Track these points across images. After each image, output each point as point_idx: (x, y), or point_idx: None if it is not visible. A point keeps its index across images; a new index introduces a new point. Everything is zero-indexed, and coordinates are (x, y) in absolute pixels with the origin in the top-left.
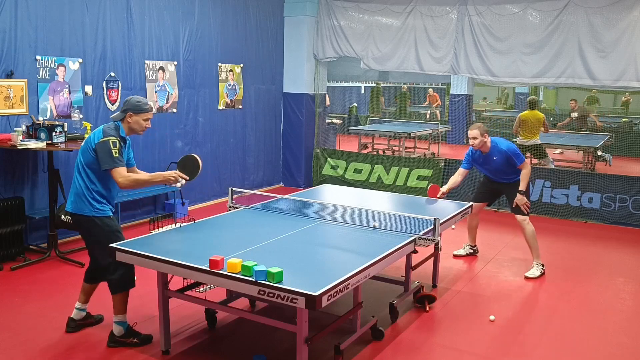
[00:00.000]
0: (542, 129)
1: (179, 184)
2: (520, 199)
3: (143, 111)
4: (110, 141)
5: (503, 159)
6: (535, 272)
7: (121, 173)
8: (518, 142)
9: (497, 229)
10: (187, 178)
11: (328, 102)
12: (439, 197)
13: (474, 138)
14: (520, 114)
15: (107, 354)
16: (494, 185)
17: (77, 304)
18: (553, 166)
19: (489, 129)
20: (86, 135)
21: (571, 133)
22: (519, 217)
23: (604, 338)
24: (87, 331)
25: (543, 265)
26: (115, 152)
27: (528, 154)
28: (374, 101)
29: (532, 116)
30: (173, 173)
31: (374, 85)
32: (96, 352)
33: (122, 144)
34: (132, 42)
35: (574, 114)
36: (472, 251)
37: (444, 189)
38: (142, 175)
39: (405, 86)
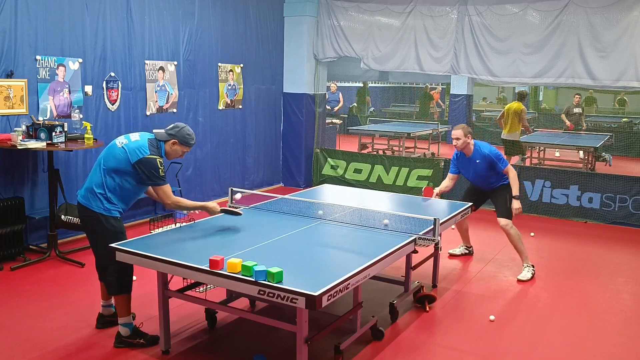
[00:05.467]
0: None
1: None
2: (515, 203)
3: (188, 145)
4: (158, 160)
5: (486, 163)
6: (527, 274)
7: (168, 193)
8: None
9: (497, 229)
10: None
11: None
12: (434, 197)
13: (457, 138)
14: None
15: (107, 354)
16: (479, 190)
17: (102, 302)
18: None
19: (490, 129)
20: (87, 135)
21: (570, 132)
22: (502, 221)
23: (604, 338)
24: (93, 332)
25: (533, 267)
26: (162, 171)
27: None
28: (360, 101)
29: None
30: (217, 209)
31: (378, 85)
32: (97, 352)
33: None
34: (132, 42)
35: (578, 110)
36: (467, 252)
37: (437, 190)
38: (189, 202)
39: (367, 84)
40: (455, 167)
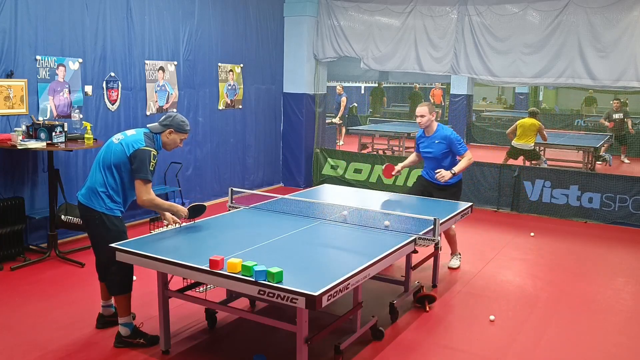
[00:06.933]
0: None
1: (179, 220)
2: (445, 173)
3: (184, 132)
4: (152, 153)
5: (445, 145)
6: (456, 262)
7: (148, 190)
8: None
9: (497, 229)
10: (187, 215)
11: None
12: (393, 175)
13: (422, 115)
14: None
15: (107, 354)
16: (426, 185)
17: (102, 302)
18: (546, 165)
19: (490, 129)
20: (87, 135)
21: (572, 133)
22: None
23: (604, 338)
24: (93, 332)
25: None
26: (152, 166)
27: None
28: (376, 101)
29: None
30: (185, 211)
31: (375, 85)
32: (97, 352)
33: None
34: (132, 42)
35: (618, 115)
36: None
37: (399, 167)
38: (163, 202)
39: (381, 83)
40: (418, 145)
